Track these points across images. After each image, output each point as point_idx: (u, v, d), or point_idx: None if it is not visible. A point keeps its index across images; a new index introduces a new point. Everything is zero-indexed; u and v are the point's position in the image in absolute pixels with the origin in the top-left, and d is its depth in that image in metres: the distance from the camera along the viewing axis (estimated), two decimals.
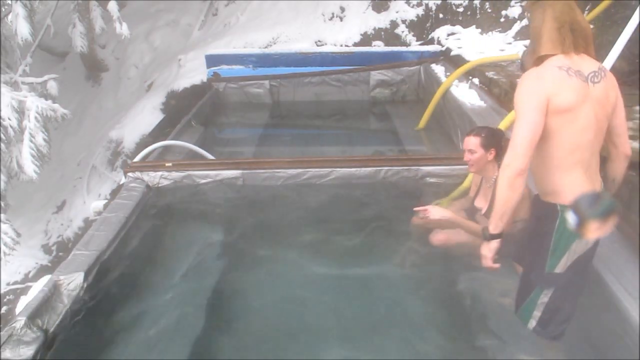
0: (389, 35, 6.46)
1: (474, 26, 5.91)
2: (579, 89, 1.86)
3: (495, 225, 1.96)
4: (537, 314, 2.04)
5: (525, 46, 2.20)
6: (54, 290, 2.37)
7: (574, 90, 1.85)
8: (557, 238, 1.94)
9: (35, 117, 4.70)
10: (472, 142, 2.75)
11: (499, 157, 2.76)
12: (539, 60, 1.93)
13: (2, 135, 4.64)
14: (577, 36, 1.90)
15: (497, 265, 2.03)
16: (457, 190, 3.31)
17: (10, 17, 4.93)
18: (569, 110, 1.85)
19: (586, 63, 1.93)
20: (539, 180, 2.01)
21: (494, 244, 1.99)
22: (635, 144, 2.64)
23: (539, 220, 2.04)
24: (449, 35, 6.05)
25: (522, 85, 1.91)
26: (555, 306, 2.01)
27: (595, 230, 1.99)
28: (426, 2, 6.39)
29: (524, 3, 2.19)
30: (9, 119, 4.60)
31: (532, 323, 2.06)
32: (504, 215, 1.94)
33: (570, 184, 1.90)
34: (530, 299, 2.04)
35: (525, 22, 5.42)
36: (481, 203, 2.90)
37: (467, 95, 4.57)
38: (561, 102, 1.84)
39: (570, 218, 2.00)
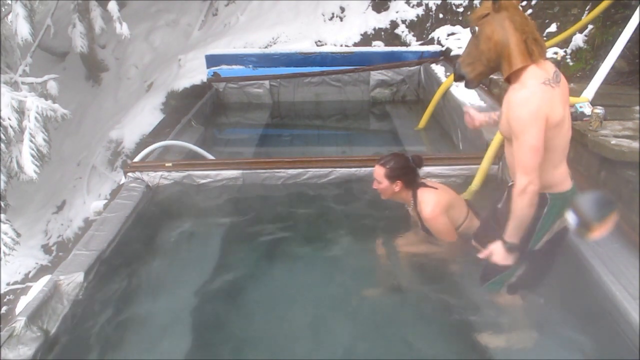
0: (389, 35, 6.46)
1: None
2: (560, 98, 2.00)
3: (516, 236, 2.10)
4: (511, 281, 2.28)
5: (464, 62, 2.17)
6: (54, 290, 2.37)
7: (560, 103, 1.99)
8: (544, 221, 2.14)
9: (35, 117, 4.70)
10: (378, 172, 2.73)
11: (408, 187, 2.73)
12: (515, 74, 2.01)
13: (2, 135, 4.64)
14: (539, 44, 2.00)
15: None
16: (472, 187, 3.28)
17: (10, 17, 4.93)
18: (561, 122, 2.00)
19: (549, 66, 2.04)
20: None
21: (515, 255, 2.13)
22: (635, 144, 2.65)
23: None
24: (449, 35, 6.04)
25: (522, 109, 1.94)
26: (529, 275, 2.27)
27: (595, 231, 2.00)
28: (426, 2, 6.39)
29: (469, 18, 2.13)
30: (9, 119, 4.60)
31: (504, 288, 2.31)
32: (522, 229, 2.09)
33: (559, 176, 2.11)
34: (506, 273, 2.25)
35: None
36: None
37: (467, 95, 4.56)
38: (555, 118, 1.97)
39: (571, 219, 2.01)
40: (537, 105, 1.92)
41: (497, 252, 2.14)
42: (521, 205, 2.01)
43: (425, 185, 2.75)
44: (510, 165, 2.21)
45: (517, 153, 1.98)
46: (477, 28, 2.06)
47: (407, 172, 2.71)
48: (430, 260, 2.75)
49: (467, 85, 2.21)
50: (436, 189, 2.73)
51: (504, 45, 1.99)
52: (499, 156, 3.26)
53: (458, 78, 2.21)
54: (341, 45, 6.35)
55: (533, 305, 2.41)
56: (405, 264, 2.85)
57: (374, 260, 2.91)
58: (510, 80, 2.06)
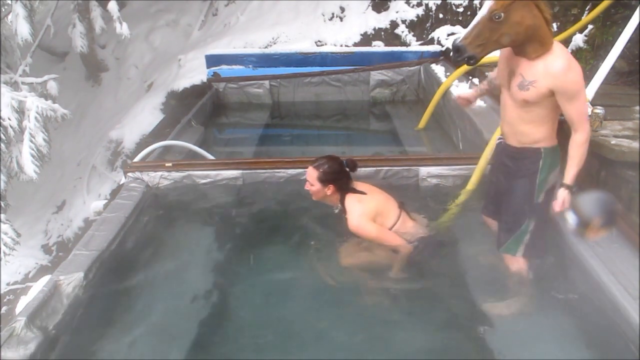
0: (389, 35, 6.45)
1: None
2: None
3: (574, 179, 2.34)
4: (525, 240, 2.49)
5: (480, 44, 2.24)
6: (54, 290, 2.37)
7: None
8: (541, 173, 2.41)
9: (35, 117, 4.69)
10: (311, 175, 2.74)
11: (339, 190, 2.74)
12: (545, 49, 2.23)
13: (2, 135, 4.63)
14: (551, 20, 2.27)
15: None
16: (463, 193, 3.28)
17: (10, 17, 4.93)
18: None
19: None
20: (530, 134, 2.40)
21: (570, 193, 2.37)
22: (635, 144, 2.65)
23: (522, 163, 2.45)
24: (449, 35, 6.03)
25: (577, 68, 2.23)
26: (539, 229, 2.50)
27: (596, 231, 1.99)
28: (426, 2, 6.38)
29: (491, 2, 2.17)
30: (9, 119, 4.60)
31: (521, 250, 2.51)
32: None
33: (553, 132, 2.41)
34: (521, 231, 2.49)
35: None
36: None
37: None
38: None
39: (570, 218, 2.01)
40: (579, 67, 2.23)
41: (568, 198, 2.34)
42: (585, 150, 2.30)
43: (354, 191, 2.73)
44: (511, 126, 2.44)
45: (577, 109, 2.24)
46: (502, 14, 2.14)
47: (340, 177, 2.72)
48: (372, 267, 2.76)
49: (472, 63, 2.31)
50: (365, 194, 2.72)
51: (536, 29, 2.17)
52: None
53: (462, 58, 2.27)
54: (341, 45, 6.34)
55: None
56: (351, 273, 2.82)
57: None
58: (525, 56, 2.25)
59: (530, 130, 2.39)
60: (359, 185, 2.80)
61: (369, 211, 2.67)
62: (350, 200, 2.71)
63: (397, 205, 2.81)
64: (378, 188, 2.85)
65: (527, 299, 2.54)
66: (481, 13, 2.21)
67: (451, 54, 2.31)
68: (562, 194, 2.35)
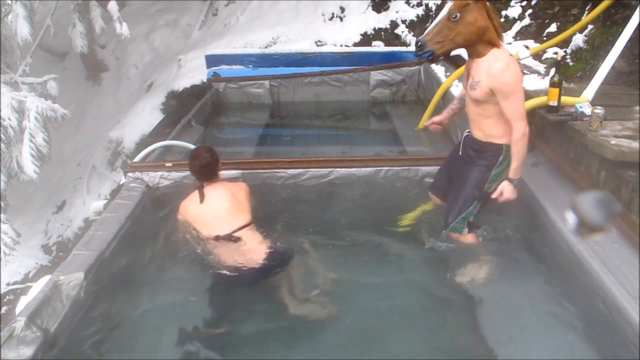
0: (389, 35, 6.46)
1: None
2: None
3: (519, 173, 2.60)
4: (469, 221, 2.75)
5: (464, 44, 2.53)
6: (54, 290, 2.37)
7: None
8: (499, 167, 2.64)
9: (35, 117, 4.70)
10: None
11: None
12: (486, 52, 2.49)
13: (2, 135, 4.64)
14: (501, 28, 2.53)
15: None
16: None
17: (10, 17, 4.94)
18: None
19: None
20: (488, 128, 2.63)
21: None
22: (635, 144, 2.65)
23: (483, 155, 2.68)
24: None
25: (513, 70, 2.45)
26: (480, 213, 2.77)
27: (595, 231, 2.00)
28: (426, 2, 6.39)
29: (450, 4, 2.44)
30: (9, 119, 4.61)
31: (465, 230, 2.77)
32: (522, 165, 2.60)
33: (510, 131, 2.54)
34: (468, 212, 2.73)
35: (526, 21, 5.43)
36: None
37: None
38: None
39: (570, 218, 2.01)
40: (517, 68, 2.47)
41: (507, 190, 2.59)
42: (524, 144, 2.50)
43: (201, 190, 2.88)
44: (474, 122, 2.71)
45: (512, 107, 2.46)
46: (458, 14, 2.41)
47: (193, 168, 2.90)
48: None
49: (433, 60, 2.57)
50: (202, 200, 2.84)
51: (485, 29, 2.44)
52: None
53: (423, 53, 2.52)
54: (341, 45, 6.34)
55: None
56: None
57: (373, 258, 2.91)
58: (477, 56, 2.51)
59: (489, 125, 2.62)
60: (213, 192, 2.88)
61: (185, 210, 2.94)
62: (192, 194, 2.93)
63: (231, 228, 2.78)
64: (235, 208, 2.86)
65: (490, 265, 2.80)
66: (441, 14, 2.49)
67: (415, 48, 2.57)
68: (503, 185, 2.61)
